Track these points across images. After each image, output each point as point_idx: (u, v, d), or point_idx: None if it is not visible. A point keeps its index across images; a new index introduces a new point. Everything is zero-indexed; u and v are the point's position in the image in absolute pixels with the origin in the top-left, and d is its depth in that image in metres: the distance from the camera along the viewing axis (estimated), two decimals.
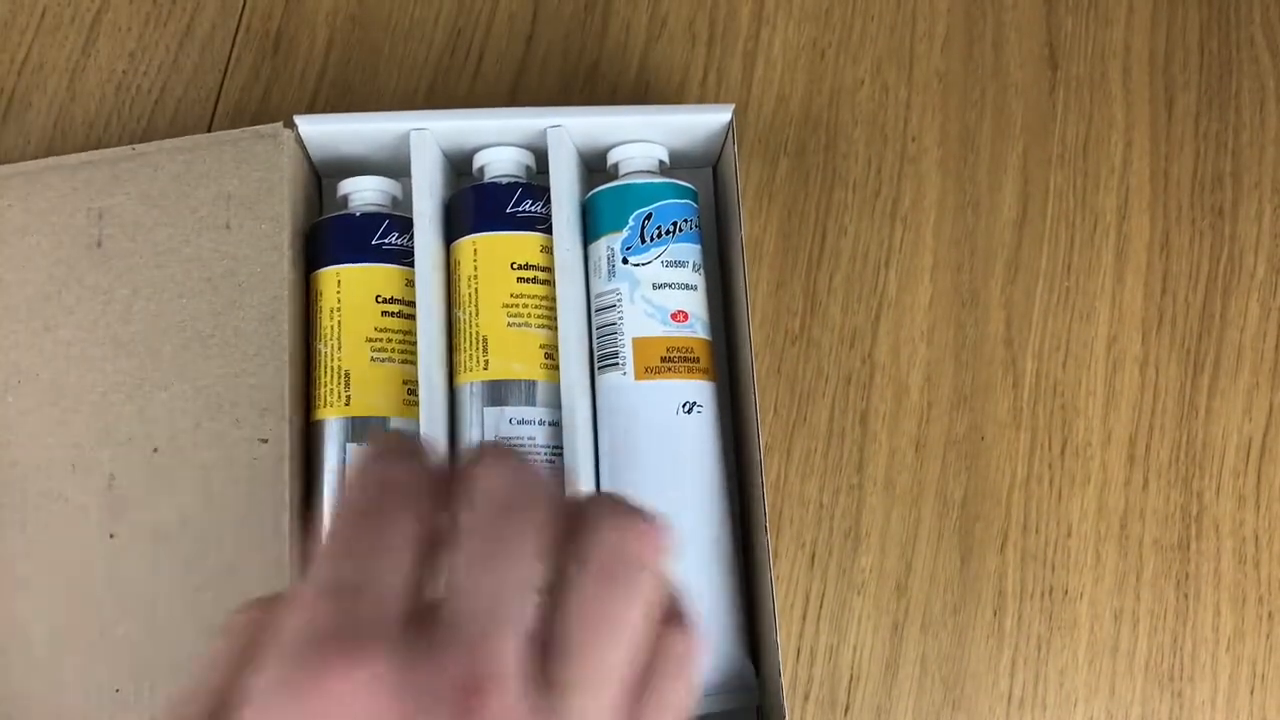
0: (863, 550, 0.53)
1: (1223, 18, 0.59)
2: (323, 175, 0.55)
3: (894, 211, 0.56)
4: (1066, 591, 0.53)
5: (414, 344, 0.48)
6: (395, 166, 0.52)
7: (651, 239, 0.48)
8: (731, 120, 0.51)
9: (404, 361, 0.49)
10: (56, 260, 0.50)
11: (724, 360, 0.53)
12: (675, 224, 0.49)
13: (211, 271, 0.49)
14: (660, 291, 0.48)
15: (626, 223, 0.49)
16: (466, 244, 0.49)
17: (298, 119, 0.50)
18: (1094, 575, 0.53)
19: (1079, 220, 0.57)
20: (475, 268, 0.49)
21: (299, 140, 0.51)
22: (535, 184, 0.50)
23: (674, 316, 0.48)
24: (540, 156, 0.51)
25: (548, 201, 0.50)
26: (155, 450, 0.48)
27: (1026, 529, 0.53)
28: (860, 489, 0.53)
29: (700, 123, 0.52)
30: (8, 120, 0.57)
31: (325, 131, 0.50)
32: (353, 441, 0.48)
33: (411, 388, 0.48)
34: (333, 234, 0.50)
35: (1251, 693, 0.52)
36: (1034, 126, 0.58)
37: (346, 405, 0.48)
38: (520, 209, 0.49)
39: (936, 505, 0.53)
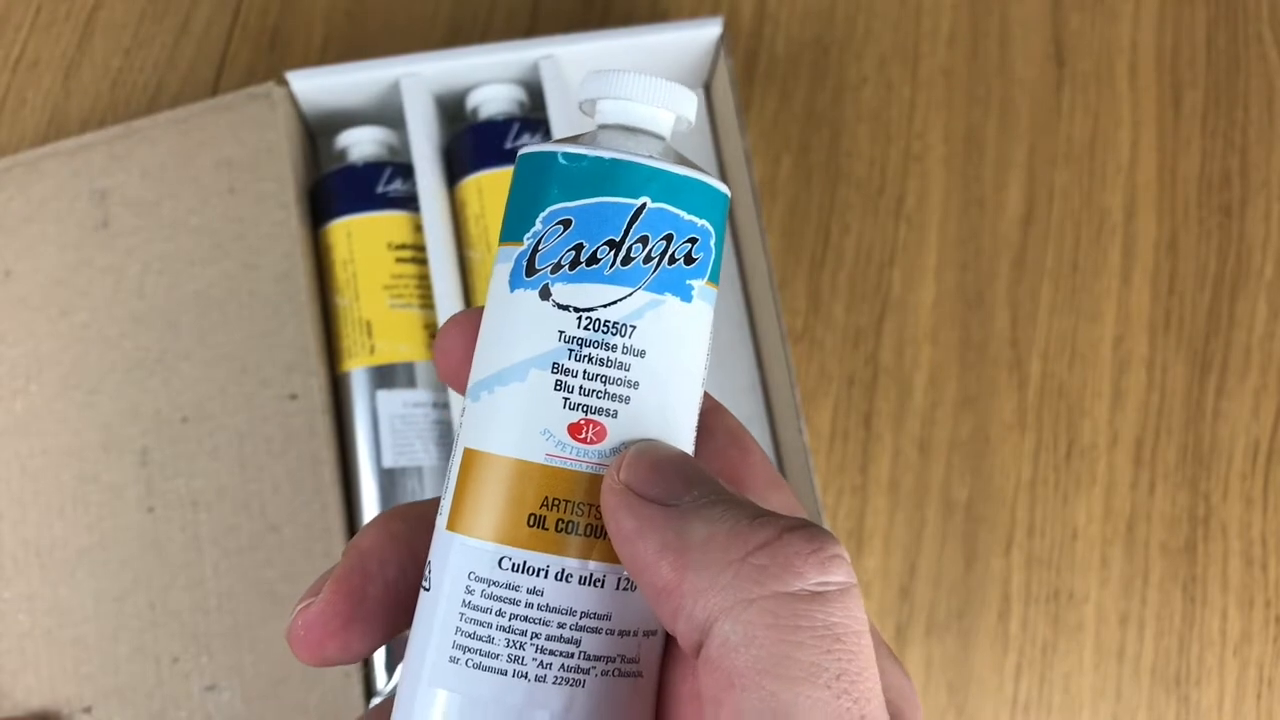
0: (866, 552, 0.52)
1: (1230, 14, 0.58)
2: (315, 134, 0.54)
3: (898, 210, 0.56)
4: (1072, 595, 0.52)
5: (430, 288, 0.48)
6: (387, 118, 0.52)
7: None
8: (722, 34, 0.51)
9: (422, 306, 0.49)
10: (64, 245, 0.49)
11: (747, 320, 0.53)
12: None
13: (220, 238, 0.49)
14: None
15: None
16: (470, 184, 0.49)
17: (290, 75, 0.50)
18: (1100, 578, 0.52)
19: (1085, 219, 0.56)
20: (482, 206, 0.49)
21: (292, 98, 0.51)
22: (531, 118, 0.50)
23: None
24: (531, 91, 0.51)
25: (546, 133, 0.50)
26: (184, 420, 0.48)
27: (1032, 532, 0.53)
28: (864, 491, 0.53)
29: (689, 39, 0.51)
30: (2, 117, 0.56)
31: (317, 86, 0.50)
32: (380, 389, 0.48)
33: (433, 331, 0.49)
34: (338, 186, 0.50)
35: (1259, 697, 0.51)
36: (1040, 124, 0.57)
37: (371, 354, 0.48)
38: (519, 143, 0.49)
39: (941, 507, 0.53)
